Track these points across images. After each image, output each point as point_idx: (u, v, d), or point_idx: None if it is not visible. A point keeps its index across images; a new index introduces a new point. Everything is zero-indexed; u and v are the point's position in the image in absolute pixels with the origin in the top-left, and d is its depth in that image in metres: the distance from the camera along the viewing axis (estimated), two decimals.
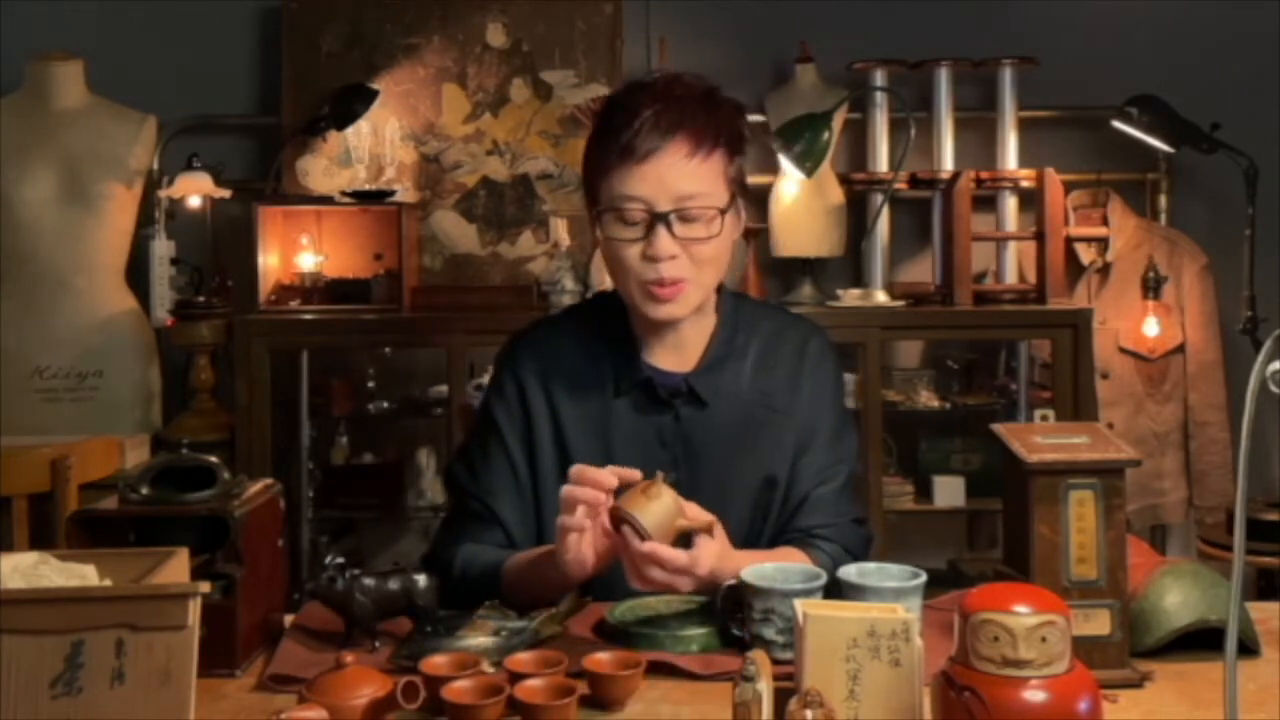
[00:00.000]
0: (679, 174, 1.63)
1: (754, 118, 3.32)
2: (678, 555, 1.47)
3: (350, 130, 3.42)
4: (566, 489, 1.51)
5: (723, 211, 1.66)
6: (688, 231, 1.65)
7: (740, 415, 1.73)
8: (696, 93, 1.67)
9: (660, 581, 1.49)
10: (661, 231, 1.63)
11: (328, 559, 1.51)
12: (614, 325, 1.76)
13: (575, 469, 1.51)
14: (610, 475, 1.49)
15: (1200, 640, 1.43)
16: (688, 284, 1.66)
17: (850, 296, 3.22)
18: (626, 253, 1.66)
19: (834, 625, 1.24)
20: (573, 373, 1.75)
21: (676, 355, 1.75)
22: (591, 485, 1.49)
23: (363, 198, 3.30)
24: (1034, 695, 1.15)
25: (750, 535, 1.73)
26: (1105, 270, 3.47)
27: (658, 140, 1.62)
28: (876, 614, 1.25)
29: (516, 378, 1.77)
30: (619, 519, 1.48)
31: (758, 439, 1.74)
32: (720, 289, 1.80)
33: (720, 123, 1.67)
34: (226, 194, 3.34)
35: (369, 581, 1.49)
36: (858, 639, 1.23)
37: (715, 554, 1.52)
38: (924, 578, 1.45)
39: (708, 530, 1.51)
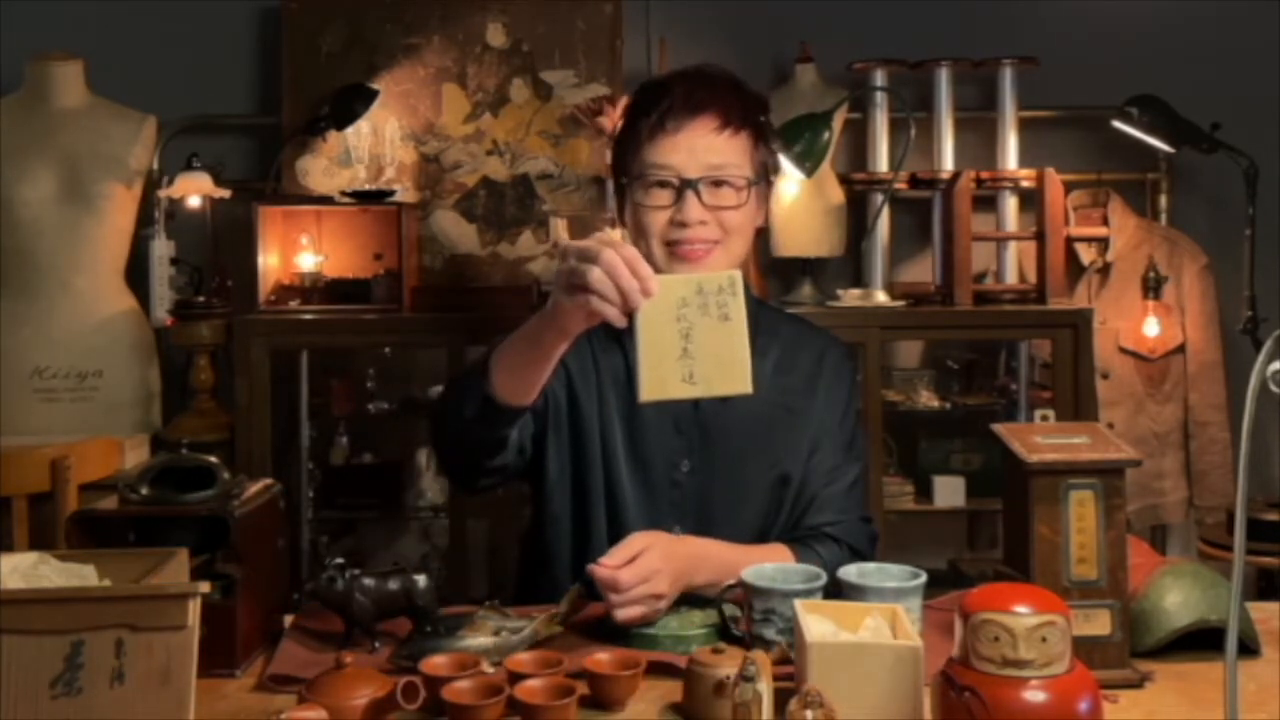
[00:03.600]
0: (708, 144, 1.68)
1: None
2: (617, 572, 1.49)
3: (350, 130, 3.41)
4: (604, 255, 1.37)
5: (750, 183, 1.70)
6: (716, 199, 1.69)
7: (757, 411, 1.76)
8: (727, 76, 1.74)
9: (631, 598, 1.50)
10: (691, 198, 1.68)
11: (327, 560, 1.51)
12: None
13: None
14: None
15: (1200, 640, 1.43)
16: (717, 247, 1.71)
17: (850, 296, 3.22)
18: (655, 219, 1.71)
19: (665, 286, 1.34)
20: (610, 359, 1.78)
21: None
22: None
23: (363, 198, 3.29)
24: (1034, 695, 1.15)
25: (763, 530, 1.76)
26: (1105, 270, 3.47)
27: (688, 114, 1.68)
28: (703, 275, 1.36)
29: (589, 337, 1.75)
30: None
31: (772, 436, 1.77)
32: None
33: (747, 106, 1.73)
34: (226, 194, 3.34)
35: (368, 581, 1.49)
36: (686, 298, 1.32)
37: (647, 539, 1.54)
38: (924, 578, 1.45)
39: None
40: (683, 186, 1.68)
